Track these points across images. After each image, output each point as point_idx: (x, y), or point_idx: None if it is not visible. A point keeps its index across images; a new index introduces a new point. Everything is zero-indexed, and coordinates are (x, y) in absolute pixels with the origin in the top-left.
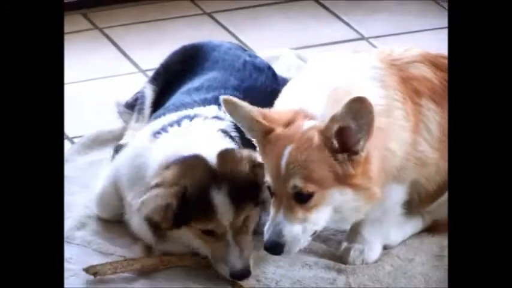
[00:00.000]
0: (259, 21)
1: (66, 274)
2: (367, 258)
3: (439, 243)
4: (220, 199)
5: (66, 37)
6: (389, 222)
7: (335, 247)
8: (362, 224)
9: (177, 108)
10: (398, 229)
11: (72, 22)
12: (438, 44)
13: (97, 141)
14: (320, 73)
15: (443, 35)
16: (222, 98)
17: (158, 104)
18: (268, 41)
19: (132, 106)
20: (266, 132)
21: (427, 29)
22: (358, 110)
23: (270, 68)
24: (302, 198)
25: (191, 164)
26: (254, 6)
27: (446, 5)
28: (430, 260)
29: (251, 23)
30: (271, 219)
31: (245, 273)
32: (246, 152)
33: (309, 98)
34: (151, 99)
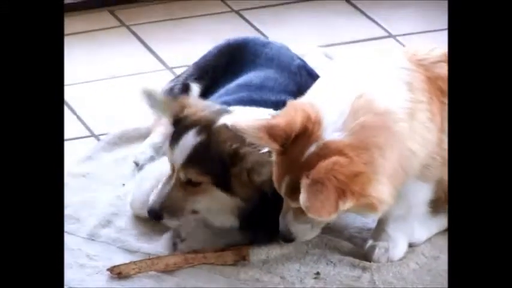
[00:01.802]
0: (286, 18)
1: (90, 271)
2: (392, 256)
3: None
4: (187, 140)
5: (92, 34)
6: (415, 220)
7: (360, 245)
8: (387, 221)
9: (246, 103)
10: (424, 227)
11: (99, 19)
12: None
13: (123, 139)
14: (345, 76)
15: None
16: (227, 123)
17: None
18: (295, 38)
19: None
20: (279, 153)
21: None
22: None
23: (317, 75)
24: None
25: (209, 107)
26: (281, 4)
27: None
28: None
29: (278, 21)
30: (282, 213)
31: (152, 214)
32: (247, 142)
33: (330, 105)
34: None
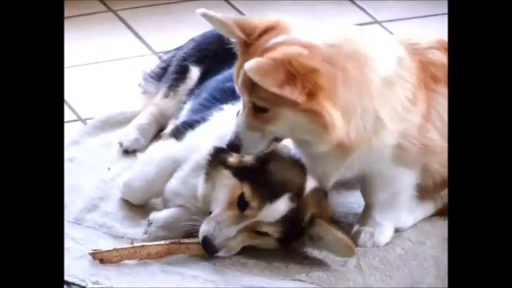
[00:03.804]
0: (272, 4)
1: (75, 254)
2: (377, 241)
3: None
4: (280, 205)
5: (80, 19)
6: (401, 206)
7: (346, 230)
8: (373, 207)
9: None
10: (410, 212)
11: (86, 4)
12: None
13: (108, 123)
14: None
15: None
16: (199, 12)
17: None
18: None
19: (159, 77)
20: (244, 44)
21: (442, 13)
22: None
23: None
24: (259, 109)
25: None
26: None
27: None
28: (441, 244)
29: (264, 7)
30: (236, 123)
31: (210, 247)
32: None
33: (316, 33)
34: (195, 81)
